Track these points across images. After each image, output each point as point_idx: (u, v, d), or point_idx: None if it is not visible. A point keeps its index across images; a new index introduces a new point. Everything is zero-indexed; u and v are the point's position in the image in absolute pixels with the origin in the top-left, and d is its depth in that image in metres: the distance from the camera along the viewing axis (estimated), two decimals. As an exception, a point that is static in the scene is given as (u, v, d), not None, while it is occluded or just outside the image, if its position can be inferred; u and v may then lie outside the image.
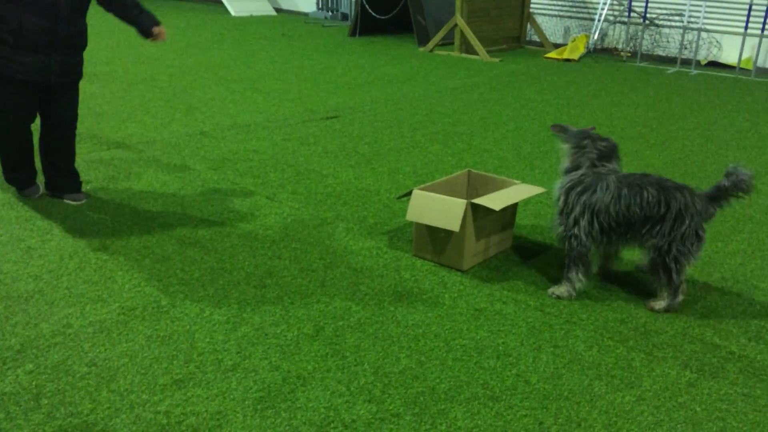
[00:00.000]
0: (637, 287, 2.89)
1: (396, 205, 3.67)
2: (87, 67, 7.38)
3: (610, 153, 2.81)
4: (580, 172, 2.77)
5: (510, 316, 2.63)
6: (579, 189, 2.73)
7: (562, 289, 2.80)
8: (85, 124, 5.03)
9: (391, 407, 2.10)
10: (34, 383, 2.16)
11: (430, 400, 2.14)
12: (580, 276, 2.76)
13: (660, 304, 2.70)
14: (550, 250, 3.22)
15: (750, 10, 7.88)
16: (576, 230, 2.72)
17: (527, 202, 3.77)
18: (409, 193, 3.06)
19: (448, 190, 3.22)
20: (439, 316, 2.62)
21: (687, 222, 2.62)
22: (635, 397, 2.19)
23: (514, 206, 3.15)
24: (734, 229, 3.54)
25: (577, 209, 2.71)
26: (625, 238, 2.73)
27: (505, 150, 4.76)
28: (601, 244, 2.78)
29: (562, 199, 2.77)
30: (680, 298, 2.69)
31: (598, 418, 2.08)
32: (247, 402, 2.10)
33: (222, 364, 2.28)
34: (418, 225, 3.04)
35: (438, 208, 2.90)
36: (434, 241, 3.02)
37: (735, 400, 2.19)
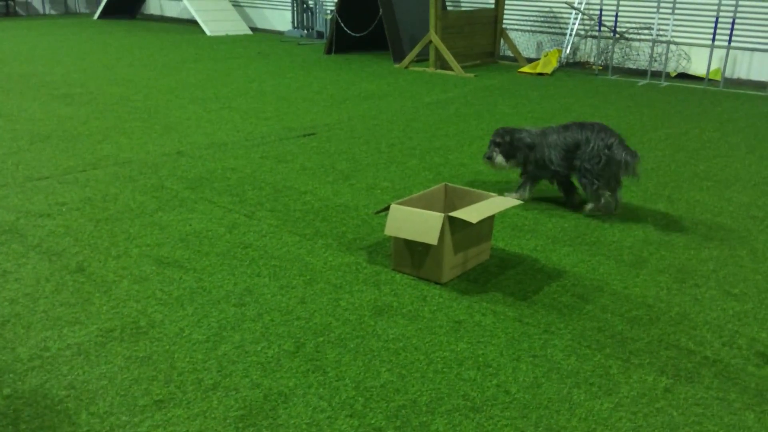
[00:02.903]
0: (613, 296, 2.94)
1: (374, 220, 3.70)
2: (62, 89, 7.37)
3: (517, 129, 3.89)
4: (532, 135, 3.81)
5: (489, 328, 2.66)
6: (540, 142, 3.81)
7: (519, 197, 3.87)
8: (60, 146, 5.00)
9: (373, 421, 2.11)
10: (11, 408, 2.14)
11: (412, 412, 2.15)
12: (555, 186, 3.99)
13: (588, 207, 3.80)
14: (527, 261, 3.26)
15: (716, 22, 8.09)
16: (552, 166, 3.80)
17: (504, 214, 3.82)
18: (387, 208, 3.08)
19: (426, 204, 3.25)
20: (419, 329, 2.64)
21: (591, 144, 3.67)
22: (613, 403, 2.22)
23: (491, 218, 3.19)
24: (706, 237, 3.61)
25: (548, 151, 3.79)
26: (572, 164, 3.76)
27: (481, 163, 4.81)
28: (565, 168, 3.80)
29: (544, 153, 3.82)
30: (602, 202, 3.74)
31: (578, 426, 2.11)
32: (228, 421, 2.10)
33: (202, 383, 2.28)
34: (397, 239, 3.07)
35: (416, 222, 2.93)
36: (413, 255, 3.04)
37: (711, 404, 2.23)
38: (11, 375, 2.30)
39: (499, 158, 3.78)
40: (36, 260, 3.15)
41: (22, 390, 2.22)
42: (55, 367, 2.34)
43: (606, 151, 3.63)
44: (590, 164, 3.67)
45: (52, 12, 16.26)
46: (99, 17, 15.06)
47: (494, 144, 3.81)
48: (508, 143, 3.76)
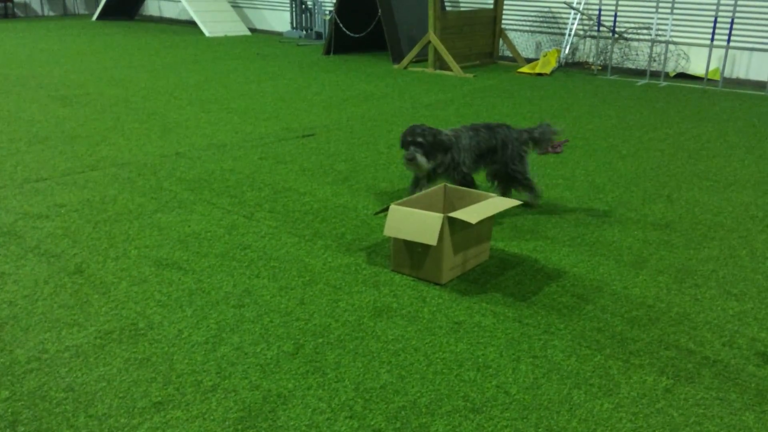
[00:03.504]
0: (613, 297, 2.93)
1: (373, 221, 3.69)
2: (60, 90, 7.37)
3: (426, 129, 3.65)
4: (447, 144, 3.62)
5: (489, 328, 2.65)
6: (455, 143, 3.67)
7: None
8: (59, 147, 4.99)
9: (372, 422, 2.10)
10: (10, 410, 2.13)
11: (412, 414, 2.15)
12: None
13: (532, 199, 3.91)
14: (527, 262, 3.26)
15: (715, 22, 8.09)
16: (464, 168, 3.68)
17: (503, 214, 3.81)
18: (386, 209, 3.08)
19: (425, 204, 3.25)
20: (418, 330, 2.63)
21: (510, 147, 3.77)
22: (613, 404, 2.22)
23: (491, 219, 3.18)
24: (706, 237, 3.60)
25: (462, 154, 3.67)
26: (482, 163, 3.78)
27: (480, 164, 4.81)
28: (476, 170, 3.78)
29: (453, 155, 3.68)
30: (536, 189, 3.91)
31: (578, 427, 2.10)
32: (227, 422, 2.09)
33: (201, 385, 2.27)
34: (396, 240, 3.06)
35: (415, 223, 2.92)
36: (412, 256, 3.03)
37: (711, 405, 2.23)
38: (9, 377, 2.29)
39: (422, 159, 3.51)
40: (34, 262, 3.15)
41: (21, 392, 2.21)
42: (53, 369, 2.34)
43: (524, 147, 3.84)
44: (515, 164, 3.80)
45: (51, 13, 16.26)
46: (97, 18, 15.06)
47: (415, 144, 3.52)
48: (430, 143, 3.53)
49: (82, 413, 2.12)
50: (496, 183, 3.96)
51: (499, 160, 3.78)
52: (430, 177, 3.74)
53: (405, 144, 3.55)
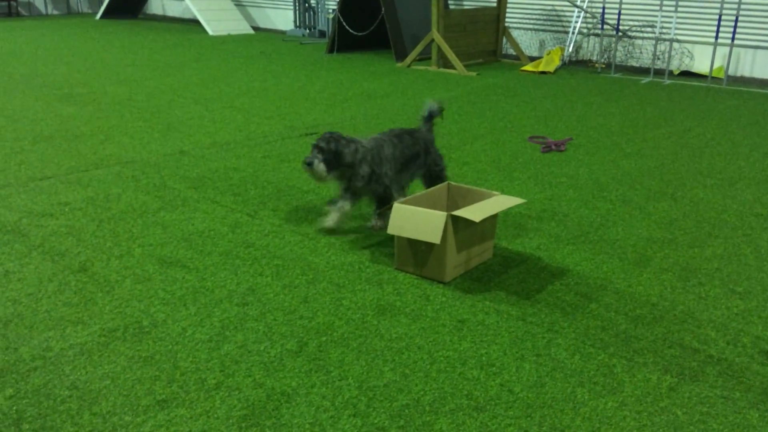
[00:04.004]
0: (617, 295, 2.93)
1: (377, 220, 3.69)
2: (64, 89, 7.39)
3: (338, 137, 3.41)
4: (367, 148, 3.42)
5: (492, 327, 2.65)
6: (377, 154, 3.46)
7: (377, 223, 3.53)
8: (63, 146, 5.00)
9: (376, 421, 2.10)
10: (14, 408, 2.13)
11: (415, 412, 2.15)
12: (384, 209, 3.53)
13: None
14: (530, 260, 3.25)
15: (720, 20, 8.06)
16: (386, 180, 3.46)
17: (507, 212, 3.81)
18: (390, 207, 3.07)
19: (429, 203, 3.24)
20: (422, 328, 2.63)
21: (431, 150, 3.70)
22: (617, 402, 2.21)
23: (494, 217, 3.18)
24: (710, 235, 3.60)
25: (384, 165, 3.46)
26: (408, 172, 3.62)
27: (483, 162, 4.81)
28: (403, 180, 3.61)
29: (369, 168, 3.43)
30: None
31: (582, 425, 2.10)
32: (231, 420, 2.09)
33: (205, 383, 2.27)
34: (400, 238, 3.06)
35: (419, 221, 2.92)
36: (416, 254, 3.03)
37: (715, 403, 2.22)
38: (14, 375, 2.30)
39: (321, 166, 3.28)
40: (39, 260, 3.15)
41: (25, 390, 2.22)
42: (57, 367, 2.34)
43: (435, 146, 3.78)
44: (439, 164, 3.73)
45: (55, 12, 16.28)
46: (101, 17, 15.07)
47: (317, 149, 3.31)
48: (332, 152, 3.29)
49: (86, 411, 2.12)
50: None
51: (422, 164, 3.66)
52: (355, 192, 3.48)
53: (313, 147, 3.37)
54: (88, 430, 2.04)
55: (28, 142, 5.09)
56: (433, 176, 3.73)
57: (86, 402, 2.17)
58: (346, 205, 3.48)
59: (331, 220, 3.46)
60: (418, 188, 3.70)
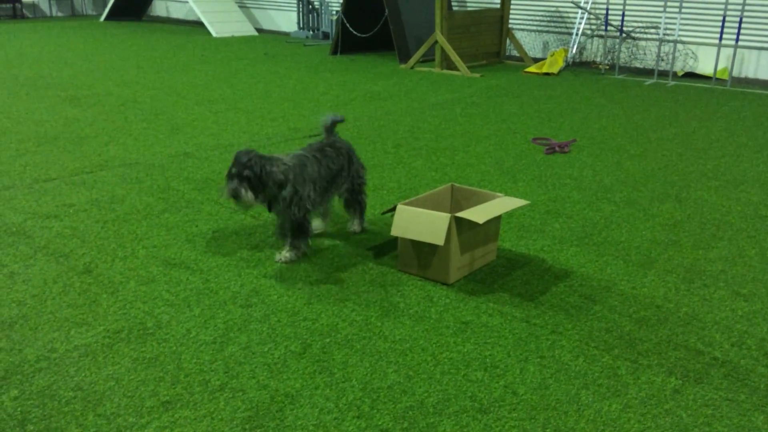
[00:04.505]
0: (621, 297, 2.92)
1: (381, 221, 3.69)
2: (68, 91, 7.40)
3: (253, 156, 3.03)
4: (288, 166, 3.07)
5: (496, 329, 2.65)
6: (299, 173, 3.10)
7: (289, 255, 3.18)
8: (68, 148, 5.01)
9: (380, 422, 2.10)
10: (19, 409, 2.14)
11: (419, 414, 2.14)
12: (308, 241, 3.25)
13: (358, 225, 3.50)
14: (534, 262, 3.25)
15: (724, 21, 8.04)
16: (308, 204, 3.13)
17: (511, 214, 3.81)
18: (394, 209, 3.07)
19: (432, 204, 3.24)
20: (426, 330, 2.63)
21: (354, 160, 3.39)
22: (622, 405, 2.21)
23: (498, 219, 3.18)
24: (715, 237, 3.59)
25: (307, 186, 3.11)
26: (333, 190, 3.32)
27: (487, 164, 4.80)
28: (320, 204, 3.29)
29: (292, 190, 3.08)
30: (363, 214, 3.51)
31: (586, 427, 2.10)
32: (235, 422, 2.09)
33: (209, 384, 2.28)
34: (403, 240, 3.06)
35: (422, 223, 2.92)
36: (419, 256, 3.03)
37: (720, 405, 2.21)
38: (19, 376, 2.30)
39: (249, 195, 2.95)
40: (43, 262, 3.16)
41: (30, 391, 2.22)
42: (62, 369, 2.35)
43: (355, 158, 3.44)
44: (360, 176, 3.40)
45: (59, 14, 16.33)
46: (105, 19, 15.11)
47: (240, 177, 2.95)
48: (257, 176, 2.96)
49: (90, 412, 2.13)
50: (350, 211, 3.48)
51: (346, 177, 3.34)
52: (298, 220, 3.13)
53: (230, 176, 2.97)
54: (93, 431, 2.04)
55: (32, 144, 5.10)
56: (355, 190, 3.39)
57: (91, 403, 2.17)
58: (304, 246, 3.21)
59: (285, 258, 3.18)
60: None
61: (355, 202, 3.44)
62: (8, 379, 2.28)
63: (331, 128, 3.38)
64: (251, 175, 2.93)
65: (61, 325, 2.63)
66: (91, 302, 2.80)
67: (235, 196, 2.94)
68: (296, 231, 3.13)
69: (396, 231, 3.00)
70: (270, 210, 3.12)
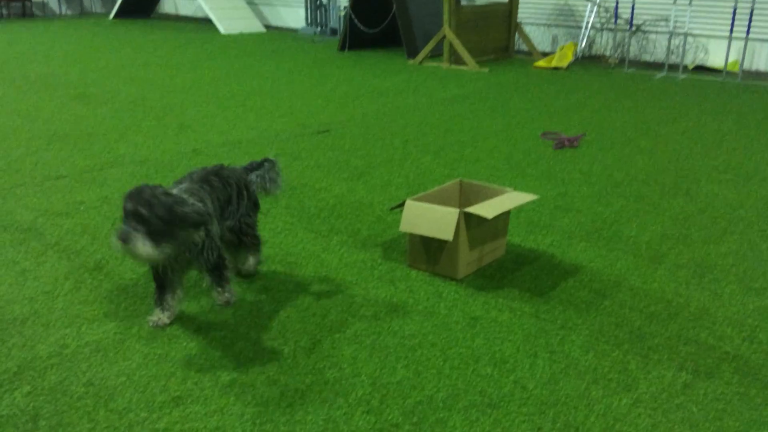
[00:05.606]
0: (631, 292, 2.91)
1: (389, 217, 3.69)
2: (78, 89, 7.42)
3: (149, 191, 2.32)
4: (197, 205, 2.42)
5: (505, 324, 2.64)
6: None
7: (228, 295, 2.68)
8: (78, 145, 5.04)
9: (389, 417, 2.10)
10: (31, 405, 2.16)
11: (428, 409, 2.15)
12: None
13: (252, 262, 2.95)
14: (543, 257, 3.24)
15: (734, 13, 7.98)
16: (218, 240, 2.56)
17: (520, 209, 3.80)
18: (402, 204, 3.07)
19: (441, 199, 3.24)
20: (434, 325, 2.63)
21: (245, 194, 2.79)
22: (632, 400, 2.20)
23: (507, 214, 3.17)
24: (726, 231, 3.56)
25: (215, 225, 2.55)
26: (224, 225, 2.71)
27: (496, 159, 4.79)
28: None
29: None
30: (260, 253, 2.97)
31: (596, 422, 2.09)
32: (245, 417, 2.10)
33: (219, 380, 2.29)
34: (412, 236, 3.06)
35: (431, 218, 2.92)
36: (428, 251, 3.03)
37: (731, 400, 2.20)
38: (31, 372, 2.32)
39: (144, 244, 2.23)
40: (54, 259, 3.18)
41: (42, 387, 2.24)
42: (74, 365, 2.36)
43: (252, 188, 2.88)
44: (250, 215, 2.83)
45: (68, 12, 16.40)
46: (114, 17, 15.17)
47: (137, 217, 2.23)
48: (162, 218, 2.24)
49: (102, 408, 2.14)
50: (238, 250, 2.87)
51: (234, 212, 2.72)
52: (174, 267, 2.50)
53: (125, 213, 2.26)
54: (104, 427, 2.06)
55: (43, 142, 5.13)
56: (242, 231, 2.77)
57: (102, 399, 2.18)
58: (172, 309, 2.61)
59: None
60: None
61: (238, 243, 2.81)
62: (21, 375, 2.30)
63: (258, 165, 2.96)
64: (151, 216, 2.21)
65: (73, 321, 2.64)
66: (102, 299, 2.82)
67: (124, 240, 2.21)
68: (217, 274, 2.60)
69: (405, 227, 3.00)
70: (178, 263, 2.47)
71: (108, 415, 2.11)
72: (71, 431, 2.04)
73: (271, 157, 2.96)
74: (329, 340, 2.52)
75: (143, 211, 2.22)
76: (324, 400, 2.18)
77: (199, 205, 2.41)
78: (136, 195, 2.25)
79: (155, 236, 2.23)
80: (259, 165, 2.94)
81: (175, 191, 2.44)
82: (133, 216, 2.22)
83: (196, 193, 2.52)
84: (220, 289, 2.67)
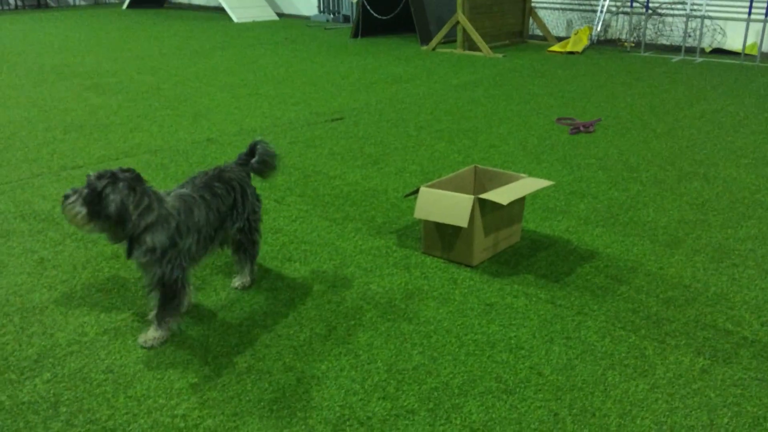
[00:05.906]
0: (648, 277, 2.89)
1: (404, 204, 3.69)
2: (93, 79, 7.46)
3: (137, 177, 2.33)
4: (155, 213, 2.32)
5: (521, 310, 2.64)
6: (184, 221, 2.38)
7: (156, 334, 2.43)
8: (94, 135, 5.07)
9: (405, 403, 2.11)
10: (52, 392, 2.19)
11: (444, 395, 2.15)
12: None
13: (248, 276, 2.80)
14: (559, 243, 3.22)
15: (753, -5, 7.85)
16: (185, 261, 2.39)
17: (535, 195, 3.78)
18: (417, 191, 3.07)
19: (455, 186, 3.23)
20: (450, 312, 2.63)
21: (248, 192, 2.71)
22: (649, 385, 2.19)
23: (522, 200, 3.15)
24: (744, 215, 3.52)
25: (188, 237, 2.39)
26: (221, 235, 2.61)
27: (510, 145, 4.76)
28: (200, 258, 2.52)
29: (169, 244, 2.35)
30: (255, 264, 2.82)
31: (613, 408, 2.09)
32: (262, 403, 2.12)
33: (236, 366, 2.30)
34: (427, 222, 3.05)
35: (445, 205, 2.91)
36: (443, 238, 3.03)
37: (749, 385, 2.19)
38: (51, 360, 2.35)
39: (76, 208, 2.23)
40: (72, 248, 3.21)
41: (62, 374, 2.27)
42: (93, 352, 2.39)
43: (252, 188, 2.76)
44: (255, 214, 2.74)
45: (82, 2, 16.46)
46: (128, 7, 15.20)
47: (88, 185, 2.26)
48: (94, 195, 2.24)
49: (121, 394, 2.17)
50: (240, 256, 2.77)
51: (239, 216, 2.66)
52: (171, 280, 2.36)
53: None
54: (124, 413, 2.08)
55: (59, 132, 5.17)
56: (251, 228, 2.72)
57: (121, 385, 2.21)
58: (173, 320, 2.45)
59: (150, 340, 2.43)
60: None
61: (249, 243, 2.73)
62: (41, 363, 2.33)
63: (261, 169, 2.79)
64: (87, 190, 2.23)
65: (91, 309, 2.67)
66: (120, 287, 2.84)
67: (65, 197, 2.24)
68: (165, 297, 2.38)
69: (419, 213, 2.99)
70: (128, 256, 2.33)
71: (127, 402, 2.13)
72: (91, 417, 2.07)
73: (258, 138, 2.84)
74: (345, 326, 2.53)
75: (96, 182, 2.24)
76: (340, 386, 2.20)
77: (148, 202, 2.31)
78: (102, 171, 2.27)
79: (93, 207, 2.23)
80: (251, 151, 2.77)
81: (169, 197, 2.41)
82: (87, 183, 2.26)
83: (188, 200, 2.43)
84: (155, 322, 2.41)
